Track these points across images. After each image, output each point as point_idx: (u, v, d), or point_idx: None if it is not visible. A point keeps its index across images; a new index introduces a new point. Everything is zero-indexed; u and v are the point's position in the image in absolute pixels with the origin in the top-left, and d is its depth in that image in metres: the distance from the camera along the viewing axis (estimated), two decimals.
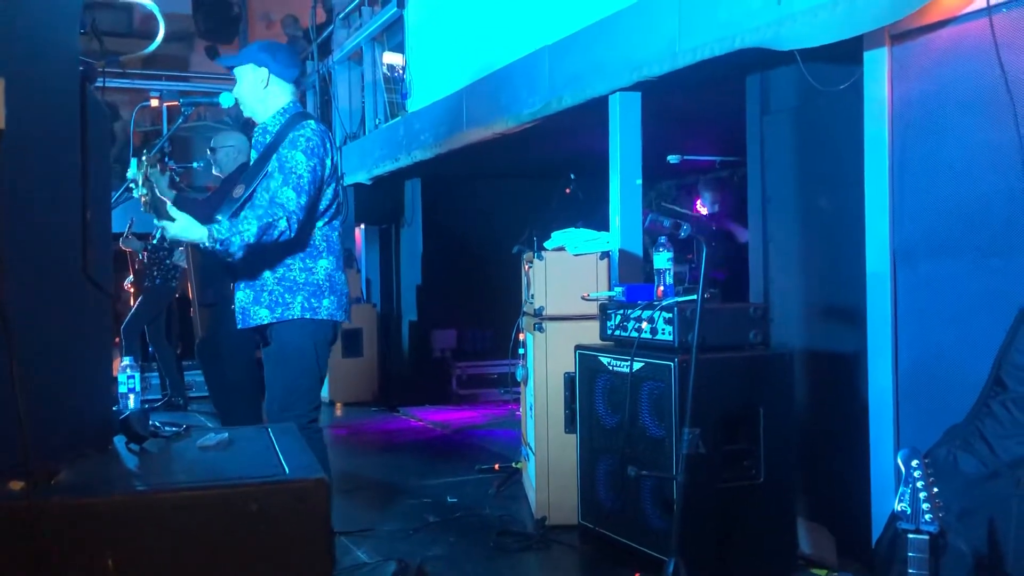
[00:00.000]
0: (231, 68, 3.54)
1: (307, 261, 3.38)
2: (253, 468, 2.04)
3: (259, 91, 3.46)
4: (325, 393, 8.22)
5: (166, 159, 6.05)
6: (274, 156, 3.35)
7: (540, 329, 4.27)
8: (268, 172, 3.35)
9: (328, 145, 3.42)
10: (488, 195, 8.43)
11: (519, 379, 4.76)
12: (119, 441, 2.33)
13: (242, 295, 3.46)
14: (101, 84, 2.54)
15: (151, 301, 7.63)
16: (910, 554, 2.34)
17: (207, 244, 3.08)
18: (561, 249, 4.38)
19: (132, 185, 2.88)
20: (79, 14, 2.14)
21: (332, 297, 3.41)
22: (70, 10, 2.11)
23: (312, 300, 3.36)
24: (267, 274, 3.37)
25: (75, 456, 2.05)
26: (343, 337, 8.07)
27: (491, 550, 3.94)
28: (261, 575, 1.84)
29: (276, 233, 3.17)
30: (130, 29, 10.21)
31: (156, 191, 2.92)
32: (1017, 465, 2.62)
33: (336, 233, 3.51)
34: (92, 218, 2.12)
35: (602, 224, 4.56)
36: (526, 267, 4.66)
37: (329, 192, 3.43)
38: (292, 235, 3.21)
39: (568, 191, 7.63)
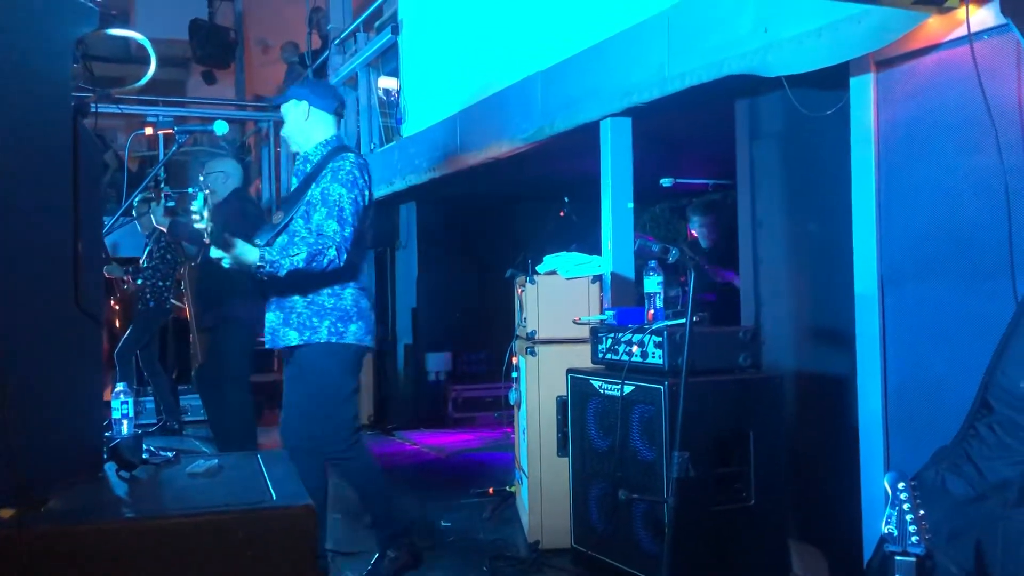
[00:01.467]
0: (279, 107, 3.76)
1: (335, 287, 3.51)
2: (241, 495, 2.06)
3: (301, 123, 3.65)
4: None
5: (162, 186, 6.08)
6: (315, 187, 3.50)
7: (532, 353, 4.29)
8: (309, 202, 3.49)
9: (367, 176, 3.56)
10: (483, 218, 8.47)
11: (512, 402, 4.77)
12: (109, 468, 2.35)
13: (272, 316, 3.61)
14: (94, 110, 2.57)
15: (144, 324, 7.63)
16: None
17: (258, 264, 3.25)
18: (553, 273, 4.41)
19: (196, 217, 3.03)
20: (72, 49, 2.17)
21: (360, 323, 3.54)
22: (62, 45, 2.14)
23: (339, 325, 3.49)
24: (297, 298, 3.50)
25: (65, 484, 2.07)
26: None
27: (485, 575, 3.94)
28: None
29: (325, 261, 3.33)
30: (127, 55, 10.28)
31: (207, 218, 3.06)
32: (1004, 487, 2.64)
33: (363, 261, 3.64)
34: (83, 249, 2.15)
35: (596, 247, 4.60)
36: (519, 291, 4.69)
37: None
38: (341, 264, 3.37)
39: (562, 214, 7.66)
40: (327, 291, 3.50)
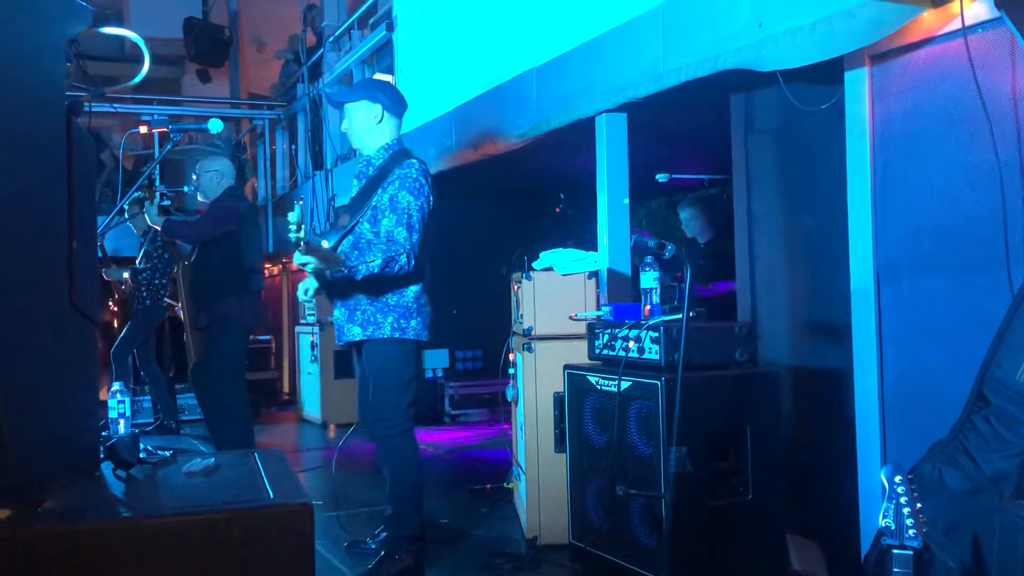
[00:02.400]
0: (342, 103, 3.82)
1: (400, 286, 3.69)
2: (238, 493, 2.06)
3: (372, 126, 3.76)
4: (317, 414, 8.24)
5: (156, 185, 6.07)
6: (381, 192, 3.64)
7: (529, 349, 4.29)
8: (376, 207, 3.65)
9: (431, 183, 3.72)
10: (478, 215, 8.46)
11: (509, 399, 4.77)
12: (106, 468, 2.35)
13: (338, 313, 3.84)
14: (88, 109, 2.57)
15: (141, 323, 7.62)
16: (895, 570, 2.36)
17: (338, 269, 3.45)
18: (549, 269, 4.41)
19: (292, 228, 3.20)
20: (64, 47, 2.17)
21: (419, 318, 3.75)
22: (54, 43, 2.13)
23: (401, 321, 3.69)
24: (361, 296, 3.69)
25: (61, 483, 2.07)
26: (335, 358, 8.12)
27: (483, 571, 3.94)
28: None
29: (396, 267, 3.52)
30: (121, 54, 10.26)
31: (303, 232, 3.23)
32: (1000, 480, 2.65)
33: (425, 261, 3.79)
34: (78, 248, 2.14)
35: (591, 243, 4.60)
36: (515, 287, 4.69)
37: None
38: (410, 269, 3.58)
39: (558, 210, 7.66)
40: (392, 288, 3.69)
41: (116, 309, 8.21)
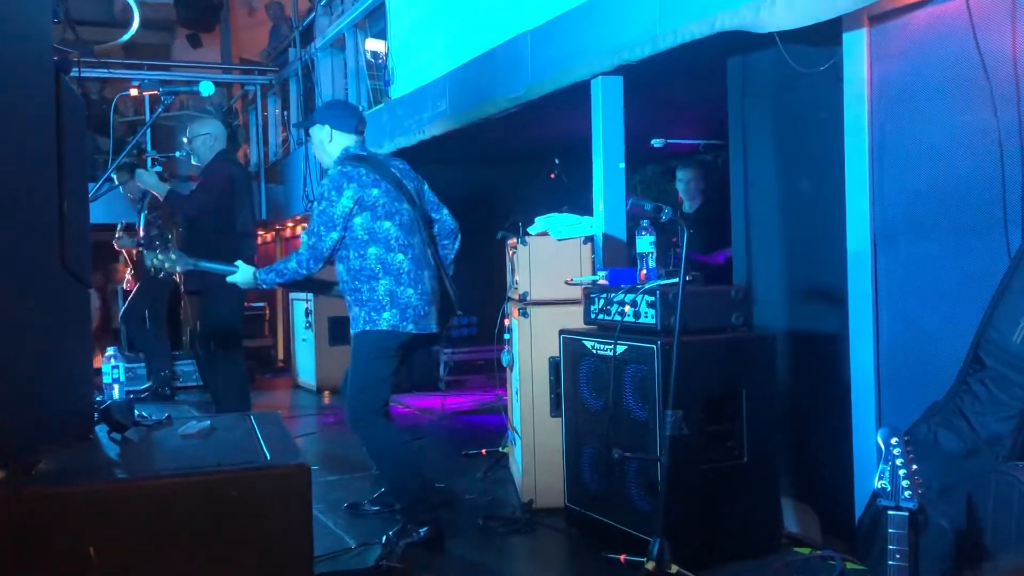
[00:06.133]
0: (307, 128, 4.16)
1: (371, 283, 3.82)
2: (234, 455, 2.05)
3: (325, 144, 4.00)
4: (312, 381, 8.24)
5: (148, 151, 6.01)
6: None
7: (525, 314, 4.28)
8: None
9: (345, 183, 3.77)
10: (472, 180, 8.40)
11: (505, 364, 4.77)
12: (101, 430, 2.34)
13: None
14: (76, 74, 2.53)
15: (146, 288, 7.64)
16: (890, 530, 2.37)
17: (255, 284, 3.96)
18: (545, 234, 4.39)
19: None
20: (51, 4, 2.12)
21: (393, 310, 3.79)
22: (41, 1, 2.09)
23: (372, 314, 3.80)
24: (349, 297, 3.91)
25: (56, 445, 2.06)
26: (330, 325, 8.12)
27: (478, 534, 3.96)
28: (243, 560, 1.85)
29: (304, 271, 3.82)
30: (110, 18, 10.14)
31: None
32: (995, 441, 2.66)
33: (395, 255, 3.80)
34: (69, 210, 2.12)
35: (587, 208, 4.57)
36: (510, 252, 4.67)
37: (363, 223, 3.78)
38: (304, 271, 3.83)
39: (553, 176, 7.61)
40: (365, 288, 3.82)
41: (133, 286, 8.15)
